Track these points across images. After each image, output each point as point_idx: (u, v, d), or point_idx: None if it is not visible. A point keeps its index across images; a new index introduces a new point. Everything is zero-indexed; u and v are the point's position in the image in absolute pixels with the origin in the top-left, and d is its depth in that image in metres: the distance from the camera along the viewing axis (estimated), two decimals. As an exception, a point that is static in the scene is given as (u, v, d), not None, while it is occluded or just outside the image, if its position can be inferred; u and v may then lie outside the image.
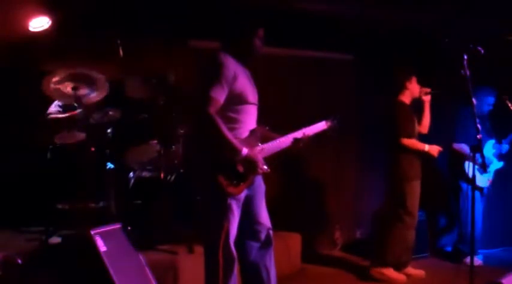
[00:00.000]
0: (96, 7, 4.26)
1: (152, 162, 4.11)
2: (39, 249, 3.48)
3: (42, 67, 4.15)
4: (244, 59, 2.84)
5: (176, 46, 4.75)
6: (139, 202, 4.06)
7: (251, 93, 2.82)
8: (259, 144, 2.81)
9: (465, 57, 3.13)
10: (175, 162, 4.06)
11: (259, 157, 2.72)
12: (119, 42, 4.04)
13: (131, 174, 4.17)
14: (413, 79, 4.36)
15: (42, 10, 4.08)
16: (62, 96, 3.83)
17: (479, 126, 3.16)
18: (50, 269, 3.17)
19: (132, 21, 4.48)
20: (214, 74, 2.66)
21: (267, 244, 2.89)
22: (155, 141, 4.01)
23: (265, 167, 2.73)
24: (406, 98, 4.38)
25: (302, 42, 5.19)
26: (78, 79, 3.74)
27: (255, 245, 2.88)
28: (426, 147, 4.23)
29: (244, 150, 2.64)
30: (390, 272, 4.29)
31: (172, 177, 4.06)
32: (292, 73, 5.28)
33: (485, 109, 4.93)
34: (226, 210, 2.69)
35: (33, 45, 4.22)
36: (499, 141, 4.98)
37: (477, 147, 3.14)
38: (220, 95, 2.64)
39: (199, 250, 3.74)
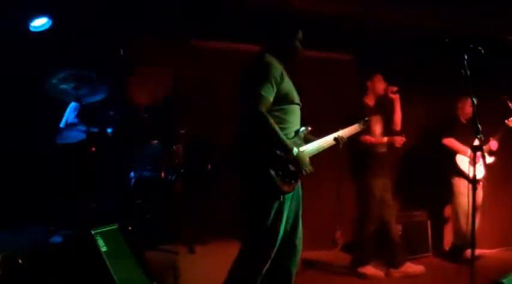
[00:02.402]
0: (97, 7, 4.25)
1: (153, 161, 4.11)
2: (39, 249, 3.48)
3: (42, 67, 4.15)
4: (286, 60, 2.88)
5: (178, 46, 4.75)
6: (139, 202, 4.06)
7: (295, 94, 2.86)
8: (304, 144, 2.84)
9: (465, 57, 3.13)
10: (176, 161, 4.07)
11: (307, 157, 2.76)
12: (119, 41, 4.04)
13: (132, 174, 4.17)
14: (376, 78, 4.53)
15: (43, 10, 4.08)
16: (63, 95, 3.83)
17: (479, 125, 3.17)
18: (50, 269, 3.17)
19: (133, 20, 4.48)
20: (264, 74, 2.69)
21: (297, 247, 2.91)
22: (156, 141, 4.01)
23: (312, 168, 2.78)
24: (369, 99, 4.56)
25: (302, 42, 5.18)
26: (79, 79, 3.74)
27: (286, 246, 2.85)
28: (385, 139, 4.43)
29: (295, 150, 2.67)
30: (368, 269, 4.38)
31: (173, 177, 4.07)
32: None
33: (467, 110, 5.04)
34: (280, 208, 2.68)
35: (34, 45, 4.22)
36: (487, 138, 5.00)
37: (478, 147, 3.14)
38: (270, 94, 2.67)
39: (199, 250, 3.76)
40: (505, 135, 5.02)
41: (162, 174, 3.94)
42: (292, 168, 2.68)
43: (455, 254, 4.97)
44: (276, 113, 2.73)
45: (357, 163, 4.51)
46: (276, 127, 2.65)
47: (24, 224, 4.08)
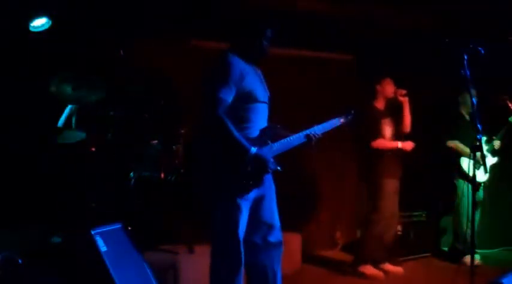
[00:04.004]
0: (97, 6, 4.25)
1: (153, 162, 4.11)
2: (39, 249, 3.48)
3: (42, 67, 4.15)
4: (252, 59, 2.84)
5: (178, 46, 4.74)
6: (139, 202, 4.06)
7: (261, 92, 2.82)
8: (270, 143, 2.79)
9: (465, 57, 3.13)
10: (176, 161, 4.07)
11: (269, 156, 2.71)
12: (119, 41, 4.04)
13: (132, 174, 4.17)
14: (385, 81, 4.53)
15: (43, 10, 4.08)
16: (63, 95, 3.84)
17: (479, 126, 3.16)
18: (50, 269, 3.17)
19: (133, 20, 4.48)
20: (221, 74, 2.66)
21: (276, 245, 2.88)
22: (156, 141, 4.01)
23: (276, 166, 2.72)
24: (379, 102, 4.56)
25: (302, 42, 5.19)
26: (79, 80, 3.74)
27: (264, 246, 2.85)
28: (399, 144, 4.43)
29: (253, 149, 2.63)
30: (368, 269, 4.40)
31: (173, 177, 4.06)
32: (292, 73, 5.28)
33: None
34: (236, 210, 2.67)
35: (34, 45, 4.22)
36: (489, 138, 4.99)
37: (478, 147, 3.13)
38: (227, 95, 2.64)
39: (199, 250, 3.75)
40: (507, 134, 5.01)
41: (162, 174, 3.94)
42: (250, 168, 2.63)
43: (454, 256, 4.97)
44: (238, 112, 2.70)
45: (368, 164, 4.47)
46: (233, 129, 2.61)
47: (24, 224, 4.09)
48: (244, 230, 2.74)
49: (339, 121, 3.08)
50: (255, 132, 2.76)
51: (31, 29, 4.09)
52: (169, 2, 4.42)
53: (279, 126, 2.85)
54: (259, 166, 2.64)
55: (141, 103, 4.29)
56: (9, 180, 4.24)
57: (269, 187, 2.87)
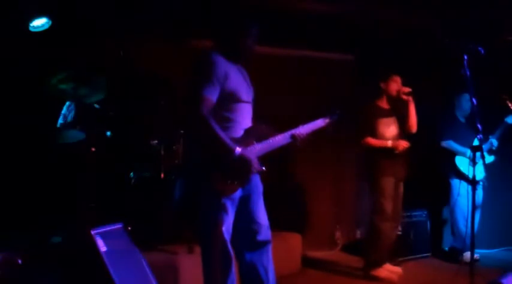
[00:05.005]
0: (97, 7, 4.26)
1: (153, 162, 4.11)
2: (39, 249, 3.48)
3: (42, 67, 4.15)
4: (236, 58, 2.81)
5: (177, 46, 4.75)
6: (139, 202, 4.06)
7: (244, 92, 2.79)
8: (255, 143, 2.78)
9: (465, 57, 3.13)
10: (176, 161, 4.07)
11: (253, 156, 2.70)
12: (119, 41, 4.04)
13: (131, 174, 4.17)
14: (391, 80, 4.43)
15: (43, 10, 4.08)
16: (63, 96, 3.84)
17: (479, 125, 3.17)
18: (50, 269, 3.17)
19: (133, 20, 4.48)
20: (205, 73, 2.64)
21: (264, 243, 2.87)
22: (156, 141, 4.01)
23: (261, 166, 2.72)
24: (382, 101, 4.48)
25: (302, 42, 5.20)
26: (79, 80, 3.74)
27: (253, 245, 2.84)
28: (389, 143, 4.34)
29: (238, 149, 2.62)
30: (380, 272, 4.32)
31: (173, 177, 4.07)
32: (292, 73, 5.29)
33: (468, 109, 5.02)
34: (220, 210, 2.67)
35: (34, 45, 4.22)
36: (486, 137, 4.99)
37: (478, 147, 3.14)
38: (212, 94, 2.62)
39: (199, 250, 3.74)
40: (504, 133, 5.01)
41: (162, 174, 3.94)
42: (234, 168, 2.63)
43: (453, 255, 4.97)
44: (222, 112, 2.69)
45: (368, 163, 4.43)
46: (217, 128, 2.59)
47: (24, 224, 4.09)
48: (230, 229, 2.74)
49: (323, 121, 3.07)
50: (239, 132, 2.75)
51: (31, 29, 4.10)
52: (169, 2, 4.42)
53: (264, 126, 2.84)
54: (243, 166, 2.63)
55: (141, 103, 4.30)
56: (10, 180, 4.24)
57: (255, 187, 2.85)
